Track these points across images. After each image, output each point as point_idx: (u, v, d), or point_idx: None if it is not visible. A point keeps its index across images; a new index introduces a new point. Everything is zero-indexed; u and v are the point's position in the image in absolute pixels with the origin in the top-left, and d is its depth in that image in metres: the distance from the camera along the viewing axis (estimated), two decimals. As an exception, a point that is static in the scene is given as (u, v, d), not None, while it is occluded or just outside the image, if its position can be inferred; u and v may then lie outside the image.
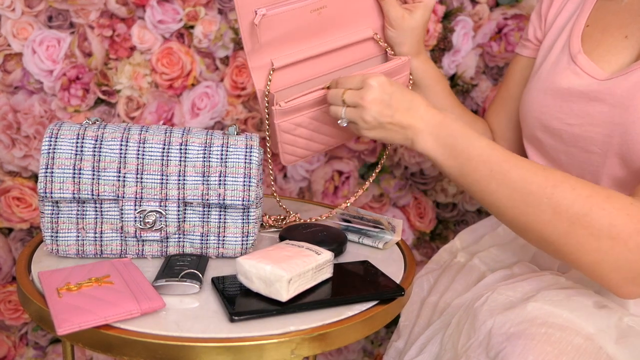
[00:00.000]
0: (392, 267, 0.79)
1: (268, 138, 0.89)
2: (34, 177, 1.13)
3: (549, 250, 0.69)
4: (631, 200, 0.66)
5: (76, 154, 0.71)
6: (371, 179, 0.96)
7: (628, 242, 0.63)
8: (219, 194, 0.73)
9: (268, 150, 0.90)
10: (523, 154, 0.98)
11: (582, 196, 0.66)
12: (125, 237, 0.74)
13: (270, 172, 0.93)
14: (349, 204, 0.95)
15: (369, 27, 0.89)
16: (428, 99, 0.93)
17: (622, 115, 0.74)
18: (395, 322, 0.87)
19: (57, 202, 0.72)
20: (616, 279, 0.65)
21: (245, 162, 0.74)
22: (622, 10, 0.81)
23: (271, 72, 0.85)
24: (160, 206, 0.73)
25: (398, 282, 0.75)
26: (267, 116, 0.86)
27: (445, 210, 1.31)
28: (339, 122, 0.80)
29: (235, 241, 0.76)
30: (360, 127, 0.79)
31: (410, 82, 0.93)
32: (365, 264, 0.76)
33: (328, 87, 0.85)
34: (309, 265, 0.66)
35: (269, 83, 0.85)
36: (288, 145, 0.89)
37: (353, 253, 0.82)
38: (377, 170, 0.96)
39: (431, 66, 0.93)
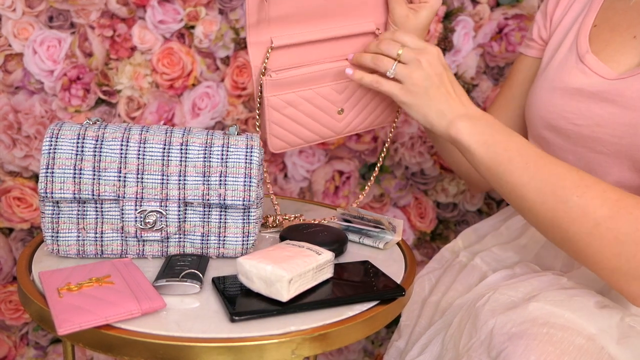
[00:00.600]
0: (392, 267, 0.79)
1: (258, 125, 0.87)
2: (35, 177, 1.13)
3: (571, 250, 0.69)
4: None
5: (77, 154, 0.71)
6: (371, 182, 0.96)
7: None
8: (220, 194, 0.73)
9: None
10: None
11: (611, 199, 0.66)
12: (126, 237, 0.74)
13: (265, 170, 0.93)
14: (355, 205, 0.96)
15: (372, 21, 0.88)
16: None
17: (633, 116, 0.73)
18: (396, 322, 0.87)
19: (57, 202, 0.72)
20: (636, 287, 0.65)
21: (246, 162, 0.74)
22: (631, 10, 0.81)
23: (269, 50, 0.83)
24: (161, 206, 0.73)
25: (399, 282, 0.75)
26: (259, 94, 0.85)
27: (445, 210, 1.31)
28: (387, 72, 0.80)
29: (236, 241, 0.76)
30: (404, 88, 0.79)
31: None
32: (366, 264, 0.76)
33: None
34: (310, 266, 0.66)
35: (266, 60, 0.84)
36: (276, 126, 0.87)
37: (353, 253, 0.82)
38: (376, 170, 0.96)
39: None
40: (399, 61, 0.80)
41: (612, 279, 0.67)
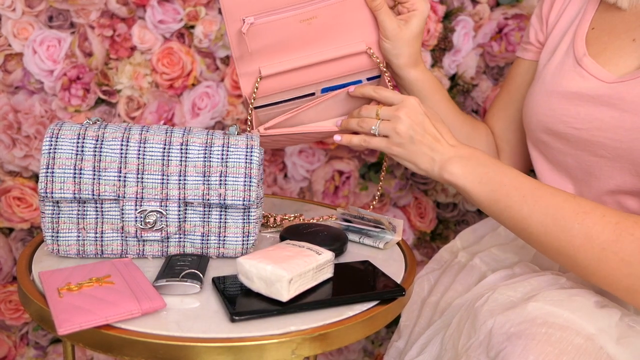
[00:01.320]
0: (392, 267, 0.79)
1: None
2: (35, 177, 1.13)
3: (584, 276, 0.71)
4: None
5: (77, 154, 0.71)
6: (380, 188, 0.97)
7: None
8: (220, 194, 0.73)
9: (249, 118, 0.90)
10: (525, 156, 0.98)
11: (611, 223, 0.67)
12: (126, 237, 0.74)
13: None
14: (370, 208, 0.97)
15: (362, 41, 0.87)
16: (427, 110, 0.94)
17: (634, 120, 0.73)
18: (395, 322, 0.87)
19: (57, 202, 0.72)
20: None
21: (246, 162, 0.74)
22: (628, 13, 0.80)
23: (258, 80, 0.85)
24: (161, 206, 0.73)
25: (399, 282, 0.75)
26: (249, 118, 0.87)
27: (445, 210, 1.31)
28: (371, 130, 0.82)
29: (236, 241, 0.76)
30: (391, 141, 0.81)
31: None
32: (366, 264, 0.76)
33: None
34: (310, 265, 0.66)
35: (255, 90, 0.85)
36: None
37: (353, 253, 0.82)
38: (380, 177, 0.97)
39: (429, 76, 0.92)
40: (381, 119, 0.82)
41: (628, 298, 0.68)
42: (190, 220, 0.75)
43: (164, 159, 0.73)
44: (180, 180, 0.73)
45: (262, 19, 0.80)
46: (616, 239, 0.66)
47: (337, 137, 0.86)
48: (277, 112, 0.90)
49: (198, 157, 0.73)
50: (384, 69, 0.89)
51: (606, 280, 0.68)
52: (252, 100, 0.85)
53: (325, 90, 0.90)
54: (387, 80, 0.89)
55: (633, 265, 0.66)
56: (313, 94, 0.90)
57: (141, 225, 0.73)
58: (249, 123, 0.87)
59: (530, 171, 1.11)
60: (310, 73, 0.87)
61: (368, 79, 0.91)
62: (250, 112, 0.87)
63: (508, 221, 0.75)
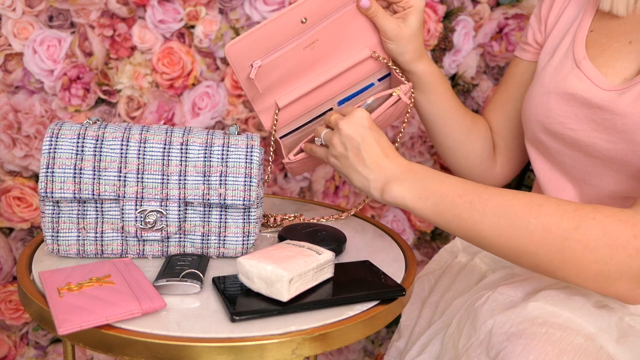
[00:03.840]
0: (392, 267, 0.79)
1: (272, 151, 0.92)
2: (35, 176, 1.13)
3: (549, 272, 0.67)
4: (620, 209, 0.64)
5: (77, 154, 0.71)
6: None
7: (627, 248, 0.62)
8: (220, 194, 0.73)
9: (271, 150, 0.91)
10: (519, 153, 0.98)
11: (568, 211, 0.64)
12: (126, 236, 0.74)
13: (269, 174, 0.93)
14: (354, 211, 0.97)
15: (365, 47, 0.88)
16: (430, 103, 0.93)
17: (625, 122, 0.73)
18: (396, 322, 0.87)
19: (57, 202, 0.72)
20: (623, 286, 0.64)
21: (246, 162, 0.74)
22: (626, 17, 0.80)
23: (277, 112, 0.88)
24: (161, 206, 0.73)
25: (399, 282, 0.75)
26: (272, 149, 0.91)
27: (445, 210, 1.31)
28: (316, 139, 0.83)
29: (236, 241, 0.76)
30: (328, 152, 0.81)
31: (411, 104, 0.90)
32: (366, 263, 0.76)
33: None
34: (310, 265, 0.66)
35: (275, 121, 0.88)
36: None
37: (354, 253, 0.82)
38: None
39: (434, 68, 0.92)
40: (328, 127, 0.82)
41: (597, 286, 0.65)
42: (190, 220, 0.75)
43: (164, 159, 0.73)
44: (180, 180, 0.73)
45: (268, 59, 0.83)
46: (577, 226, 0.63)
47: (301, 145, 0.89)
48: (301, 137, 0.93)
49: (198, 157, 0.73)
50: (393, 66, 0.90)
51: (573, 272, 0.65)
52: (274, 131, 0.88)
53: (341, 103, 0.92)
54: (399, 76, 0.90)
55: (597, 250, 0.62)
56: (331, 109, 0.92)
57: (141, 225, 0.73)
58: (271, 153, 0.90)
59: (528, 170, 1.11)
60: (324, 91, 0.89)
61: (379, 80, 0.93)
62: (273, 143, 0.89)
63: (459, 231, 0.71)
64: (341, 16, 0.85)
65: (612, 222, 0.63)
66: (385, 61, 0.89)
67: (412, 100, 0.89)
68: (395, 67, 0.89)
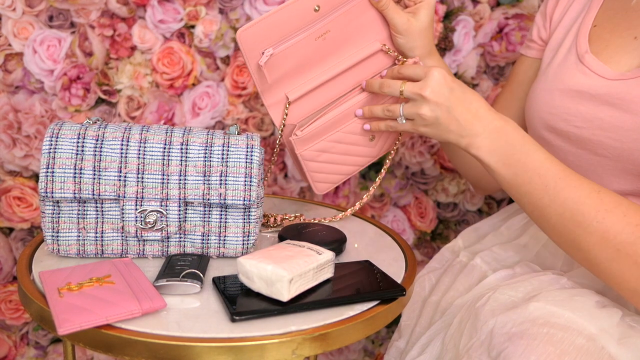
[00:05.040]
0: (393, 266, 0.79)
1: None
2: (35, 176, 1.12)
3: (594, 271, 0.70)
4: None
5: (77, 154, 0.71)
6: (373, 189, 0.96)
7: None
8: (220, 194, 0.73)
9: (277, 145, 0.90)
10: None
11: (631, 224, 0.66)
12: (126, 236, 0.74)
13: (269, 173, 0.93)
14: (356, 208, 0.96)
15: (375, 40, 0.88)
16: None
17: (635, 121, 0.73)
18: (396, 321, 0.87)
19: (58, 202, 0.72)
20: None
21: (247, 162, 0.73)
22: (631, 11, 0.80)
23: (287, 106, 0.86)
24: (161, 206, 0.73)
25: (399, 281, 0.75)
26: (278, 143, 0.88)
27: (446, 210, 1.31)
28: (397, 119, 0.81)
29: (236, 241, 0.76)
30: (416, 124, 0.79)
31: None
32: (366, 263, 0.76)
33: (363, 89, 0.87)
34: (310, 265, 0.66)
35: (285, 117, 0.86)
36: (317, 173, 0.89)
37: (353, 253, 0.82)
38: (380, 177, 0.96)
39: (443, 65, 0.92)
40: (406, 99, 0.80)
41: (634, 300, 0.68)
42: (190, 220, 0.74)
43: (164, 159, 0.73)
44: (180, 180, 0.72)
45: (279, 47, 0.82)
46: (633, 242, 0.66)
47: (366, 126, 0.87)
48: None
49: (198, 157, 0.73)
50: (404, 59, 0.89)
51: (615, 281, 0.68)
52: (283, 126, 0.86)
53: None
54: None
55: None
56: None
57: (141, 225, 0.73)
58: (277, 147, 0.89)
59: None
60: (335, 87, 0.88)
61: None
62: (280, 138, 0.88)
63: (528, 206, 0.74)
64: (352, 8, 0.84)
65: None
66: (395, 54, 0.89)
67: None
68: (405, 60, 0.89)
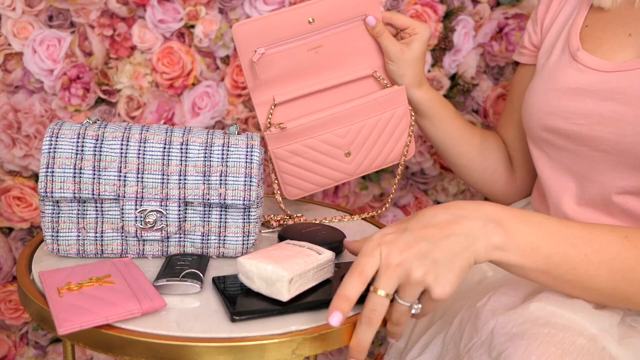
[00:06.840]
0: (393, 266, 0.78)
1: (275, 180, 0.91)
2: (35, 176, 1.12)
3: None
4: None
5: (77, 154, 0.71)
6: (390, 198, 0.99)
7: None
8: (220, 194, 0.73)
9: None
10: (531, 159, 0.98)
11: None
12: (126, 236, 0.74)
13: (271, 172, 0.93)
14: (374, 214, 0.98)
15: (368, 66, 0.90)
16: (435, 126, 0.95)
17: (636, 114, 0.73)
18: (396, 322, 0.86)
19: (57, 202, 0.72)
20: None
21: (247, 162, 0.73)
22: (621, 9, 0.80)
23: (272, 107, 0.88)
24: (161, 206, 0.73)
25: (399, 282, 0.74)
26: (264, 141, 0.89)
27: (446, 210, 1.31)
28: (412, 310, 0.62)
29: (236, 241, 0.76)
30: (427, 292, 0.61)
31: (412, 112, 0.93)
32: (367, 263, 0.76)
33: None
34: (310, 265, 0.66)
35: (270, 116, 0.88)
36: (287, 175, 0.91)
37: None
38: (394, 187, 0.98)
39: (434, 94, 0.95)
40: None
41: None
42: (190, 220, 0.74)
43: (164, 159, 0.72)
44: (180, 179, 0.72)
45: (272, 50, 0.85)
46: None
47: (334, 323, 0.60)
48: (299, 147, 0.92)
49: (198, 157, 0.73)
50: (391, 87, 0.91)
51: None
52: (268, 125, 0.88)
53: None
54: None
55: None
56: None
57: (141, 224, 0.73)
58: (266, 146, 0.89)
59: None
60: (322, 100, 0.90)
61: None
62: (265, 137, 0.88)
63: (568, 284, 0.65)
64: (348, 30, 0.87)
65: None
66: (385, 82, 0.91)
67: (412, 116, 0.93)
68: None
